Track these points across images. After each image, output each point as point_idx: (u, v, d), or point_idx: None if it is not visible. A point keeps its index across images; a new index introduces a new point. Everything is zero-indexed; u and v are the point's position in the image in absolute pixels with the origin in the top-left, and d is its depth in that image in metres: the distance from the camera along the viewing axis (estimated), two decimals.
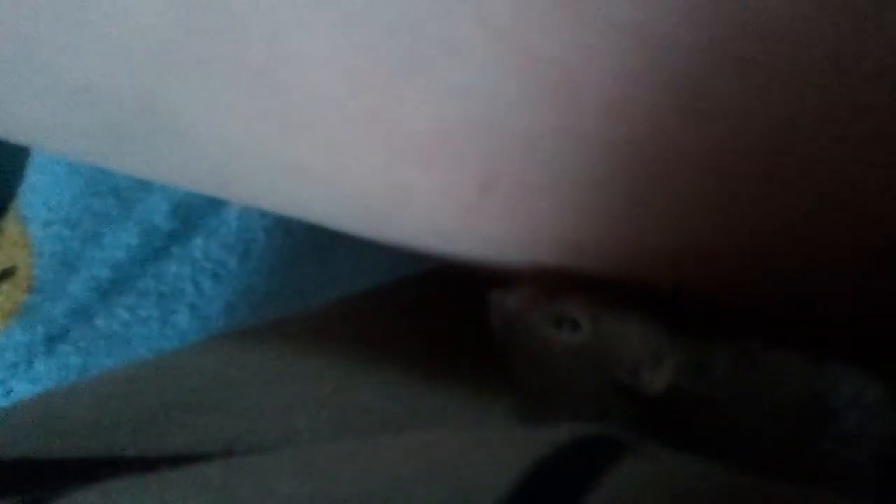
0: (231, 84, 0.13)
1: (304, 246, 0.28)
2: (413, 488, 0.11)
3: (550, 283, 0.16)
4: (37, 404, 0.17)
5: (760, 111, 0.12)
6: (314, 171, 0.15)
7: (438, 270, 0.20)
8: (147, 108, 0.14)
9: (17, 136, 0.16)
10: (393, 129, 0.13)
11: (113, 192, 0.28)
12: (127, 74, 0.13)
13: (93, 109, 0.14)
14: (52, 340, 0.27)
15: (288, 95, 0.13)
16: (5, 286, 0.28)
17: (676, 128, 0.12)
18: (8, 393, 0.28)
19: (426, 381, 0.17)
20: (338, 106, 0.13)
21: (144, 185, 0.27)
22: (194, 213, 0.28)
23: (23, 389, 0.28)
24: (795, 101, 0.12)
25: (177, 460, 0.16)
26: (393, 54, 0.12)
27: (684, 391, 0.14)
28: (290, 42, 0.13)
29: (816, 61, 0.12)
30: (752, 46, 0.12)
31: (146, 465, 0.14)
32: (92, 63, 0.13)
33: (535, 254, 0.15)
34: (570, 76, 0.12)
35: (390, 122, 0.13)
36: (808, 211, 0.13)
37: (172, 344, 0.27)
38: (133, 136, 0.15)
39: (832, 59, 0.12)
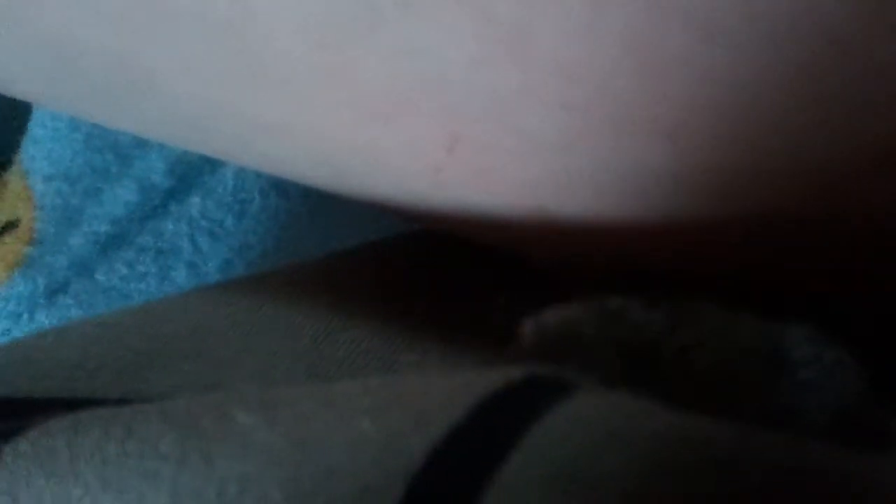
0: (198, 39, 0.13)
1: (299, 206, 0.28)
2: (366, 418, 0.11)
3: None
4: (23, 346, 0.18)
5: (716, 71, 0.12)
6: (284, 128, 0.15)
7: (418, 232, 0.20)
8: (120, 62, 0.14)
9: (6, 90, 0.17)
10: (355, 87, 0.14)
11: (112, 149, 0.28)
12: (95, 28, 0.14)
13: (68, 63, 0.15)
14: (54, 293, 0.28)
15: (252, 51, 0.13)
16: (8, 238, 0.28)
17: (630, 89, 0.12)
18: None
19: (400, 339, 0.17)
20: (300, 63, 0.13)
21: (142, 143, 0.28)
22: (191, 171, 0.28)
23: None
24: (753, 63, 0.12)
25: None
26: (350, 11, 0.13)
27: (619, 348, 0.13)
28: None
29: (774, 21, 0.12)
30: (707, 4, 0.12)
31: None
32: (61, 16, 0.14)
33: (504, 216, 0.15)
34: (524, 36, 0.12)
35: (352, 79, 0.13)
36: (770, 174, 0.13)
37: None
38: (110, 90, 0.15)
39: (790, 19, 0.12)
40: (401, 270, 0.20)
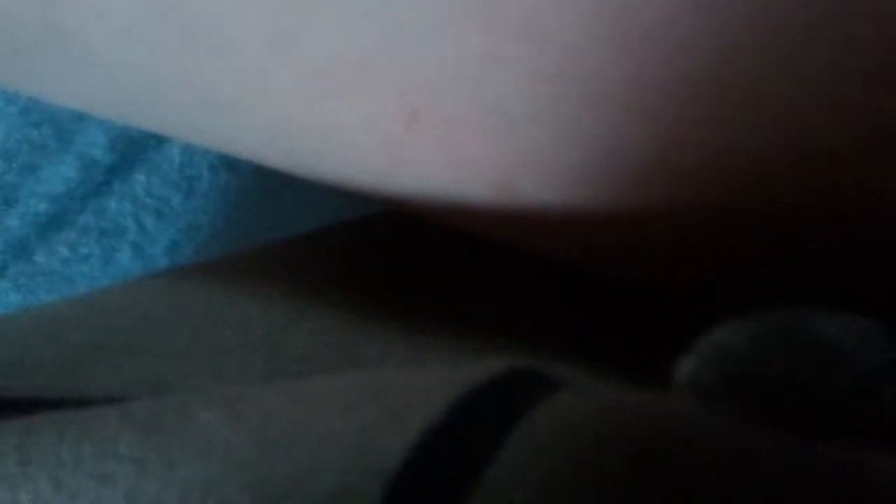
0: (133, 6, 0.13)
1: (251, 184, 0.28)
2: (337, 415, 0.11)
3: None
4: None
5: (699, 37, 0.12)
6: (230, 101, 0.14)
7: (382, 215, 0.20)
8: (49, 30, 0.13)
9: None
10: (308, 56, 0.13)
11: (50, 122, 0.27)
12: None
13: None
14: None
15: (194, 19, 0.13)
16: None
17: (606, 57, 0.12)
18: None
19: (363, 330, 0.17)
20: (247, 30, 0.13)
21: (82, 116, 0.27)
22: (135, 146, 0.27)
23: None
24: (739, 27, 0.12)
25: (103, 403, 0.15)
26: None
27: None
28: None
29: None
30: None
31: (71, 407, 0.14)
32: None
33: (469, 196, 0.15)
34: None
35: (304, 47, 0.13)
36: (758, 154, 0.13)
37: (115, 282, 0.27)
38: (42, 60, 0.14)
39: None
40: (363, 256, 0.19)
